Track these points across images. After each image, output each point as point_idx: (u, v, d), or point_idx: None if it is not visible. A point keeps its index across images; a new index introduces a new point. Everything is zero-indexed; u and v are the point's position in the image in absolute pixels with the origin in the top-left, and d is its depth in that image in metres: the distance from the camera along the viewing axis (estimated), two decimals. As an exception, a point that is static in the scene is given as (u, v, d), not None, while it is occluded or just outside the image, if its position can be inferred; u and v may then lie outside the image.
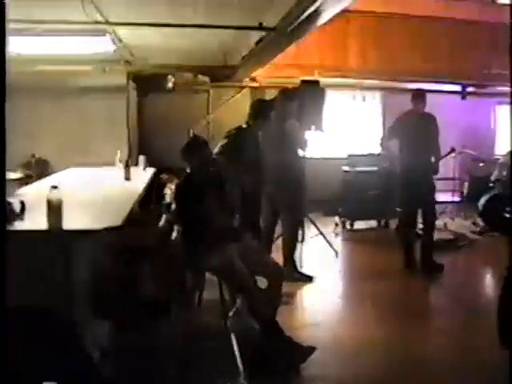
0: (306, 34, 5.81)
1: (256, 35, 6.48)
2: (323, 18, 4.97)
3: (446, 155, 7.83)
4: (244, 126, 5.67)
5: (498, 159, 10.24)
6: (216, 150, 5.22)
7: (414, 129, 6.92)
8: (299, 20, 4.92)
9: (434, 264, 7.02)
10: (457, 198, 11.60)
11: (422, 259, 7.03)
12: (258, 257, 4.57)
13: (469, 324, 5.50)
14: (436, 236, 7.99)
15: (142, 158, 7.81)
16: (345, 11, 9.62)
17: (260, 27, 5.70)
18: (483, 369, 4.28)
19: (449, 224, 9.81)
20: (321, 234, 7.92)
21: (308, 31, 5.65)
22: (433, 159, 6.97)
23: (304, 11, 4.69)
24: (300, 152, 6.87)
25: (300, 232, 7.26)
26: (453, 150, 7.93)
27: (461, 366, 4.41)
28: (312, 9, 4.54)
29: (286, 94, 6.61)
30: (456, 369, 4.35)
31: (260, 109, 5.71)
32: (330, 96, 11.00)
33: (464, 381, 4.16)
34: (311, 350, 4.30)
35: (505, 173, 8.96)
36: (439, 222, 9.48)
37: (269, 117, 5.69)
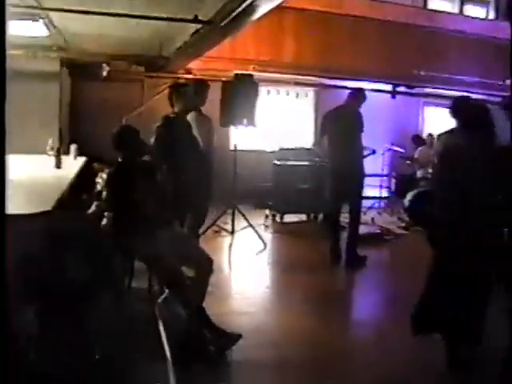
0: (241, 28, 5.87)
1: (192, 27, 6.50)
2: (258, 13, 5.04)
3: (366, 156, 8.03)
4: (171, 114, 5.67)
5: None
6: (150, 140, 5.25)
7: (340, 124, 7.11)
8: (234, 14, 4.99)
9: (358, 256, 7.25)
10: (385, 194, 11.94)
11: (347, 251, 7.22)
12: (187, 246, 4.65)
13: (389, 315, 5.76)
14: (363, 230, 8.29)
15: (73, 147, 7.72)
16: (281, 7, 9.80)
17: (195, 20, 5.73)
18: (398, 360, 4.50)
19: (376, 219, 10.12)
20: (250, 225, 8.03)
21: (243, 25, 5.71)
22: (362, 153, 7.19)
23: (239, 5, 4.76)
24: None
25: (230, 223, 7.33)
26: (373, 152, 8.12)
27: (378, 356, 4.61)
28: (247, 3, 4.62)
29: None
30: (372, 360, 4.56)
31: (178, 94, 5.69)
32: (264, 90, 11.16)
33: (378, 371, 4.35)
34: (237, 337, 4.41)
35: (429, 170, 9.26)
36: (367, 217, 9.80)
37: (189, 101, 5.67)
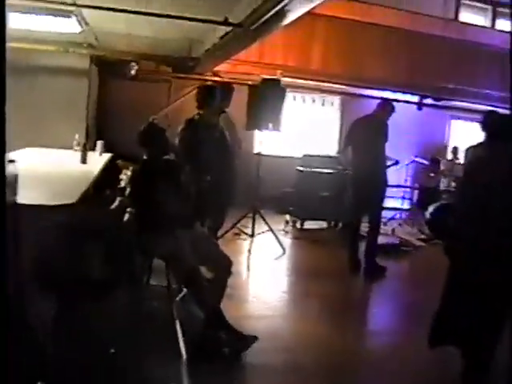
0: (271, 32, 5.90)
1: (222, 29, 6.54)
2: (288, 18, 5.07)
3: (389, 166, 8.02)
4: (196, 116, 5.69)
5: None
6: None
7: (365, 133, 7.10)
8: (264, 18, 5.01)
9: (377, 266, 7.22)
10: (406, 205, 11.89)
11: (366, 261, 7.20)
12: (207, 246, 4.66)
13: (404, 326, 5.75)
14: (383, 240, 8.27)
15: (99, 143, 7.78)
16: (311, 14, 9.80)
17: (225, 22, 5.76)
18: (412, 371, 4.48)
19: (397, 230, 10.06)
20: (270, 230, 8.03)
21: (272, 30, 5.74)
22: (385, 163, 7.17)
23: (270, 10, 4.78)
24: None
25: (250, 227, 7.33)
26: (396, 163, 8.09)
27: (392, 367, 4.57)
28: (278, 8, 4.64)
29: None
30: (386, 370, 4.52)
31: (206, 96, 5.71)
32: (291, 96, 11.17)
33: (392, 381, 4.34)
34: (253, 339, 4.41)
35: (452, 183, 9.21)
36: (388, 228, 9.77)
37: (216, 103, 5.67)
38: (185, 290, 4.76)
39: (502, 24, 14.85)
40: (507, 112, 5.20)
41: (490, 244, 4.03)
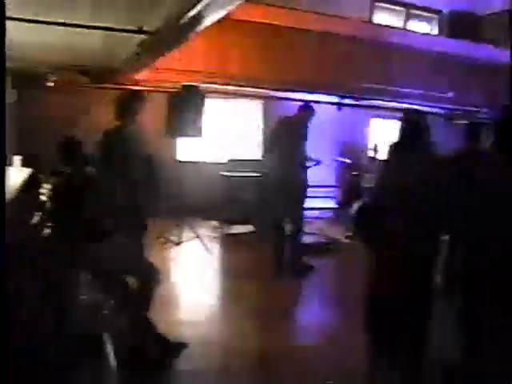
0: (187, 39, 5.89)
1: (138, 38, 6.48)
2: (204, 24, 5.08)
3: (311, 167, 8.13)
4: (114, 127, 5.59)
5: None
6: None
7: (285, 135, 7.20)
8: (179, 25, 5.01)
9: (304, 265, 7.34)
10: (331, 205, 12.08)
11: (292, 261, 7.30)
12: (132, 256, 4.63)
13: (333, 322, 5.89)
14: (310, 240, 8.41)
15: (17, 158, 7.59)
16: (230, 19, 9.84)
17: (140, 31, 5.72)
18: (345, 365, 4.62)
19: (323, 229, 10.23)
20: (197, 236, 8.04)
21: (189, 36, 5.72)
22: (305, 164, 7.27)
23: (184, 16, 4.78)
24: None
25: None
26: (318, 163, 8.20)
27: (322, 363, 4.70)
28: (192, 14, 4.65)
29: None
30: (318, 366, 4.64)
31: (123, 106, 5.53)
32: (212, 102, 11.18)
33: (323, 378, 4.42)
34: (182, 345, 4.42)
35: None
36: (314, 227, 9.91)
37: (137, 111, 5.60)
38: (111, 301, 4.70)
39: (415, 25, 15.38)
40: (421, 109, 5.35)
41: (410, 239, 4.17)
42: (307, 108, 7.37)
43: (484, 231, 4.12)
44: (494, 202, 4.03)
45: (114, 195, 4.84)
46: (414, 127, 4.41)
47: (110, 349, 4.20)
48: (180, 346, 4.42)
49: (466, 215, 4.19)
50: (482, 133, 5.44)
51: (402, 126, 4.49)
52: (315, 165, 7.55)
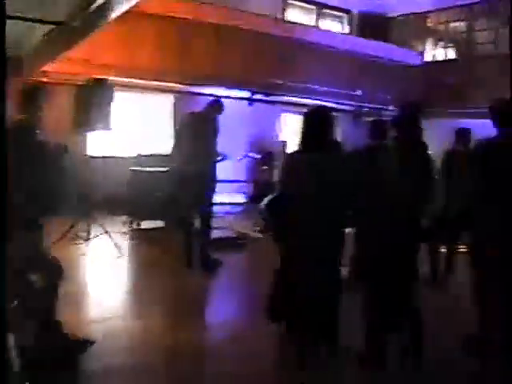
0: (94, 29, 5.74)
1: (44, 28, 6.29)
2: (111, 15, 4.99)
3: (218, 162, 8.16)
4: (17, 121, 5.39)
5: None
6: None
7: (194, 130, 7.18)
8: (86, 15, 4.91)
9: (211, 260, 7.36)
10: (242, 200, 12.15)
11: (200, 255, 7.31)
12: (33, 253, 4.50)
13: (244, 315, 5.96)
14: (220, 235, 8.44)
15: None
16: (142, 13, 9.72)
17: (43, 20, 5.56)
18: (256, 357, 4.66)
19: (233, 224, 10.28)
20: (106, 232, 7.90)
21: (96, 27, 5.58)
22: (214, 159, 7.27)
23: (91, 6, 4.69)
24: None
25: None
26: (224, 158, 8.20)
27: (234, 355, 4.73)
28: (98, 4, 4.57)
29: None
30: (229, 359, 4.66)
31: (27, 99, 5.22)
32: (123, 96, 11.01)
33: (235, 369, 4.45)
34: (89, 343, 4.35)
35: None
36: (224, 222, 9.96)
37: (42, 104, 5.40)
38: (15, 301, 4.56)
39: (326, 24, 15.69)
40: (329, 106, 5.49)
41: (314, 231, 4.27)
42: (215, 103, 7.36)
43: (386, 225, 4.29)
44: (395, 197, 4.19)
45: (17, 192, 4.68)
46: (318, 122, 4.50)
47: (14, 349, 4.08)
48: (87, 344, 4.34)
49: (369, 209, 4.35)
50: (387, 129, 5.61)
51: (306, 120, 4.58)
52: (222, 160, 7.56)
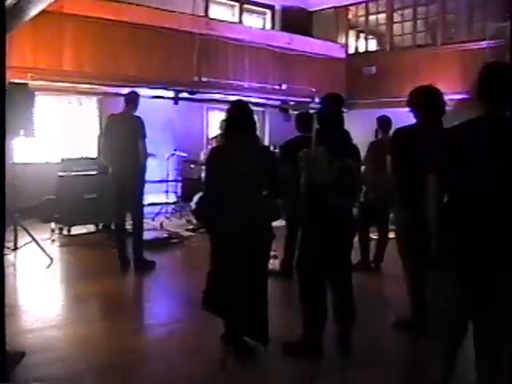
0: (8, 30, 5.60)
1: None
2: (24, 17, 4.88)
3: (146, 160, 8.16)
4: None
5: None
6: None
7: (122, 131, 7.14)
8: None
9: (145, 261, 7.34)
10: (172, 199, 12.12)
11: (134, 258, 7.28)
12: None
13: (182, 315, 5.98)
14: (153, 235, 8.43)
15: None
16: (60, 13, 9.55)
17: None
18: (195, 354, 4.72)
19: (165, 224, 10.25)
20: (34, 240, 7.70)
21: (9, 27, 5.46)
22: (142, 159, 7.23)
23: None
24: None
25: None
26: (152, 155, 8.11)
27: (175, 357, 4.75)
28: (8, 4, 4.44)
29: None
30: (170, 361, 4.66)
31: None
32: (45, 100, 10.80)
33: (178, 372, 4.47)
34: (20, 356, 4.27)
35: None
36: (156, 223, 9.93)
37: None
38: None
39: (248, 20, 15.76)
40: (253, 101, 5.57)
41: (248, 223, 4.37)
42: (128, 97, 7.31)
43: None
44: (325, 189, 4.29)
45: None
46: (240, 117, 4.58)
47: None
48: (18, 356, 4.25)
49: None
50: (311, 122, 5.69)
51: (228, 116, 4.67)
52: (150, 156, 7.54)
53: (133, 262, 7.25)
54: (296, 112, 8.64)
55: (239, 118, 4.64)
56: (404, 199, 4.81)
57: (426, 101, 4.78)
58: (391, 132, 6.35)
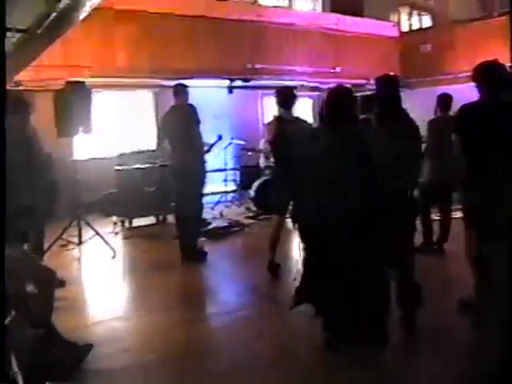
0: (61, 34, 5.69)
1: (13, 36, 6.20)
2: (76, 18, 4.93)
3: (214, 144, 8.21)
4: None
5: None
6: None
7: (174, 122, 7.18)
8: (49, 20, 4.82)
9: (198, 252, 7.38)
10: (231, 187, 12.14)
11: (189, 249, 7.31)
12: (27, 263, 4.49)
13: (249, 302, 5.94)
14: (213, 224, 8.46)
15: None
16: (110, 10, 9.63)
17: (10, 29, 5.47)
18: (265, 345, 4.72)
19: (224, 212, 10.30)
20: (97, 234, 7.85)
21: (63, 31, 5.53)
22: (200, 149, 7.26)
23: (52, 11, 4.61)
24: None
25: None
26: (220, 138, 8.15)
27: (241, 345, 4.75)
28: (61, 8, 4.49)
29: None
30: (237, 349, 4.68)
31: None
32: (102, 96, 10.95)
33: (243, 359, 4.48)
34: (88, 347, 4.35)
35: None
36: (215, 212, 9.97)
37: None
38: (13, 312, 4.54)
39: (298, 3, 15.59)
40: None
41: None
42: (177, 88, 7.34)
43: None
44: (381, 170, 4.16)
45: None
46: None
47: (14, 361, 4.06)
48: (86, 348, 4.33)
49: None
50: (369, 104, 5.58)
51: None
52: (216, 142, 7.54)
53: (191, 252, 7.29)
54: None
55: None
56: (477, 177, 4.58)
57: (493, 76, 4.60)
58: (453, 110, 6.16)
